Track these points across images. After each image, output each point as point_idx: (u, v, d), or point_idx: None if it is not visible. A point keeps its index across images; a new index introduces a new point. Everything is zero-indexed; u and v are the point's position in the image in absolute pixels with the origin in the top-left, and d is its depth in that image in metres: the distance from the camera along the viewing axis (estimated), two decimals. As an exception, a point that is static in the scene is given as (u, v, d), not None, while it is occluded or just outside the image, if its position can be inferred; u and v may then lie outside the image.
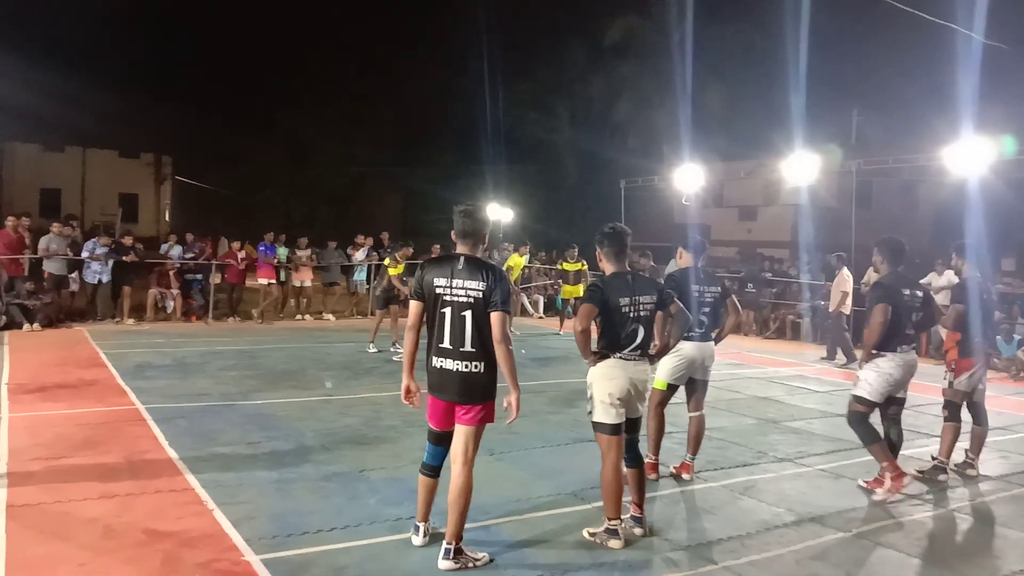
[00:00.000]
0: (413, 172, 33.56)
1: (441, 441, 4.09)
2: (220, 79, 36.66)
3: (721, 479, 5.72)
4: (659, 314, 4.65)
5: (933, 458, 6.00)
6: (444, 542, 3.96)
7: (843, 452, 6.50)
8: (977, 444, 6.12)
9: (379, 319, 11.64)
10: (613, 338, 4.41)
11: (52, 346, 10.84)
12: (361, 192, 35.87)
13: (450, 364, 3.95)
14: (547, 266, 19.61)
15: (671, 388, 5.64)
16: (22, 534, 4.21)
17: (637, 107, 29.28)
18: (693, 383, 5.68)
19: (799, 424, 7.67)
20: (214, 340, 12.16)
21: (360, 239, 17.01)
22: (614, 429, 4.37)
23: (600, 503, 4.49)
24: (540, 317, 17.67)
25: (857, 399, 5.49)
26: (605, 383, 4.38)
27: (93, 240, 13.78)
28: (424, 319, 4.07)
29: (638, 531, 4.51)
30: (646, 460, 5.22)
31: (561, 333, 14.61)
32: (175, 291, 14.47)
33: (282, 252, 15.35)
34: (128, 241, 14.29)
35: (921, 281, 13.65)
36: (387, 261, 11.27)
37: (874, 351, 5.39)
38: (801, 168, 15.38)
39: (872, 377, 5.42)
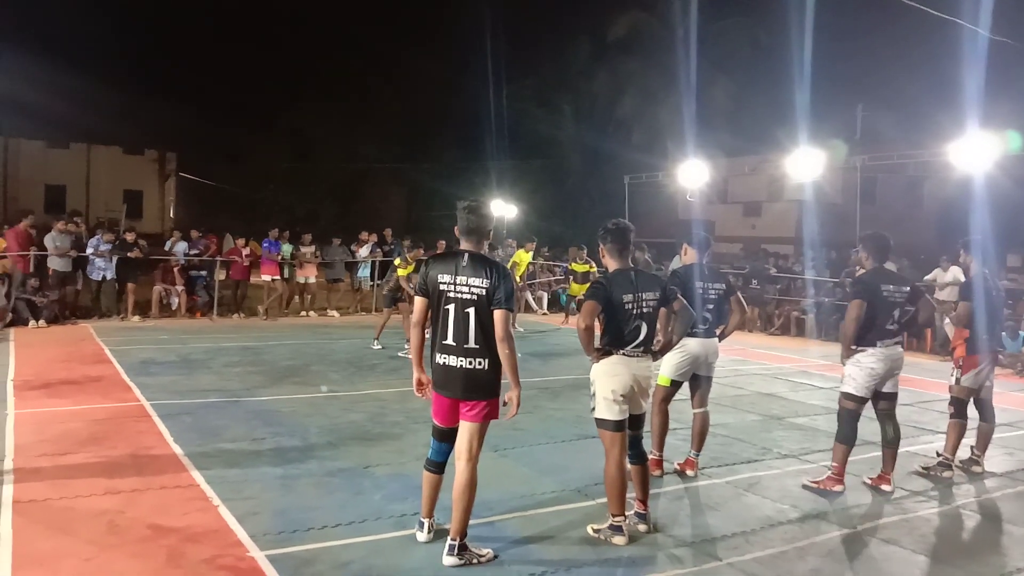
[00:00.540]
0: (417, 168, 33.58)
1: (445, 437, 4.09)
2: (224, 76, 36.86)
3: (725, 475, 5.72)
4: (663, 310, 4.64)
5: (938, 454, 5.99)
6: (448, 538, 3.97)
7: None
8: (983, 441, 6.10)
9: (386, 316, 11.62)
10: (616, 335, 4.40)
11: (57, 342, 10.87)
12: (365, 188, 35.90)
13: (454, 361, 3.96)
14: (551, 262, 19.60)
15: (675, 384, 5.63)
16: (28, 529, 4.23)
17: (641, 103, 29.23)
18: (697, 379, 5.67)
19: (803, 420, 7.66)
20: (219, 336, 12.18)
21: (364, 235, 17.02)
22: (617, 425, 4.37)
23: (604, 499, 4.50)
24: (544, 313, 17.67)
25: (844, 395, 5.51)
26: (608, 380, 4.37)
27: (97, 236, 13.81)
28: (429, 315, 4.07)
29: (642, 527, 4.51)
30: (650, 456, 5.23)
31: (563, 326, 14.76)
32: (180, 287, 14.49)
33: (286, 249, 15.36)
34: (131, 237, 14.32)
35: (926, 277, 13.74)
36: (397, 261, 11.25)
37: (854, 346, 5.40)
38: (805, 164, 15.34)
39: (855, 372, 5.43)
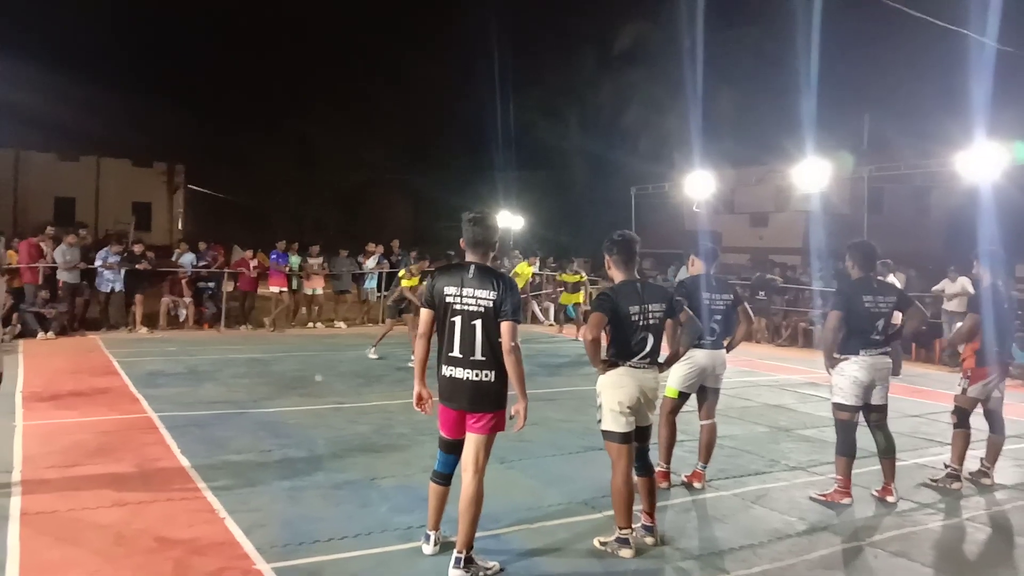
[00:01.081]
0: (423, 177, 33.70)
1: (452, 449, 4.09)
2: (231, 87, 37.08)
3: (733, 488, 5.69)
4: (669, 322, 4.64)
5: (946, 466, 5.96)
6: (455, 551, 3.96)
7: (855, 461, 6.44)
8: (993, 453, 6.06)
9: (388, 327, 11.66)
10: (623, 346, 4.40)
11: (66, 354, 10.92)
12: (371, 198, 36.05)
13: (460, 373, 3.96)
14: (554, 274, 19.62)
15: (683, 396, 5.62)
16: (36, 540, 4.24)
17: (647, 113, 29.26)
18: (704, 391, 5.66)
19: (811, 432, 7.62)
20: (226, 348, 12.22)
21: (371, 247, 17.07)
22: (624, 438, 4.36)
23: (611, 512, 4.47)
24: (551, 324, 17.66)
25: (835, 405, 5.53)
26: (615, 391, 4.37)
27: (105, 249, 13.89)
28: (435, 327, 4.08)
29: (649, 540, 4.49)
30: (657, 468, 5.21)
31: (558, 335, 14.93)
32: (187, 299, 14.55)
33: (294, 260, 15.42)
34: (139, 249, 14.39)
35: (933, 288, 13.67)
36: (402, 272, 11.28)
37: (836, 355, 5.42)
38: (812, 174, 15.30)
39: (839, 381, 5.47)
